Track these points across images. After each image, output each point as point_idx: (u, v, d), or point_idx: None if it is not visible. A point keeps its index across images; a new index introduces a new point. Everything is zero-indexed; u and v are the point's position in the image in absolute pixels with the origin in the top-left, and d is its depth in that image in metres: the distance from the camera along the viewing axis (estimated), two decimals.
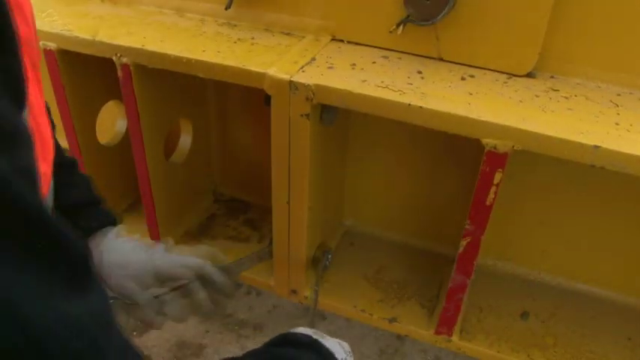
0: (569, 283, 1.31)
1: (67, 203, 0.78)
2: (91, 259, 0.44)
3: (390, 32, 1.07)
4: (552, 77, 1.03)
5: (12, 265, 0.32)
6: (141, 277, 0.80)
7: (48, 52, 1.15)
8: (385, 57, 1.08)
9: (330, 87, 0.96)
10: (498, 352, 1.16)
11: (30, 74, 0.46)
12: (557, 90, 0.99)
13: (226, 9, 1.16)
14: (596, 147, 0.84)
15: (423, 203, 1.38)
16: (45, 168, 0.52)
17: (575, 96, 0.97)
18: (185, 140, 1.40)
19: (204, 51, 1.06)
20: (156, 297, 0.82)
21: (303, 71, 1.00)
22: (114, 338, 0.39)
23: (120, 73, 1.11)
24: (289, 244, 1.21)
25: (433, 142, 1.27)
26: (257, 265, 1.11)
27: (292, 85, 0.98)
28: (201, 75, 1.05)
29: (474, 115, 0.89)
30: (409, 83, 0.98)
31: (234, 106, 1.45)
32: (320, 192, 1.17)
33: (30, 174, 0.37)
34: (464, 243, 1.03)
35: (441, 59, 1.07)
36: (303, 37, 1.14)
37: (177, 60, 1.05)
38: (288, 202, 1.13)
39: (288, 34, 1.16)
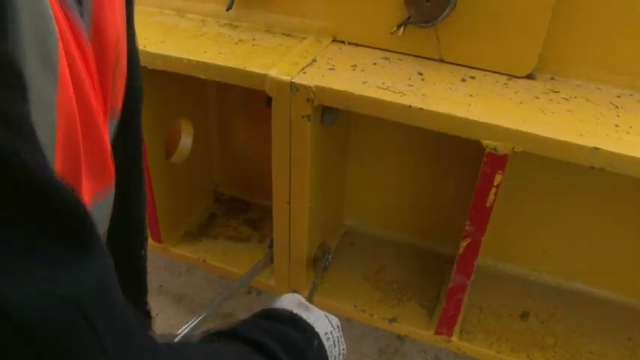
0: (569, 283, 1.32)
1: None
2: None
3: (391, 34, 1.07)
4: (552, 79, 1.04)
5: None
6: None
7: None
8: (386, 58, 1.08)
9: (331, 88, 0.96)
10: (498, 352, 1.16)
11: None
12: (558, 92, 0.99)
13: (227, 10, 1.17)
14: (596, 149, 0.84)
15: (423, 204, 1.38)
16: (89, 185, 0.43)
17: (575, 97, 0.98)
18: (186, 141, 1.40)
19: (205, 52, 1.06)
20: None
21: (304, 72, 1.00)
22: (113, 314, 0.34)
23: None
24: (290, 244, 1.21)
25: (434, 143, 1.27)
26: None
27: (293, 87, 0.98)
28: (202, 76, 1.05)
29: (474, 117, 0.89)
30: (410, 85, 0.98)
31: (235, 106, 1.46)
32: (320, 192, 1.18)
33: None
34: (464, 244, 1.03)
35: (442, 60, 1.07)
36: (304, 38, 1.14)
37: (178, 61, 1.05)
38: (289, 203, 1.14)
39: (289, 35, 1.16)
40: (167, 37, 1.13)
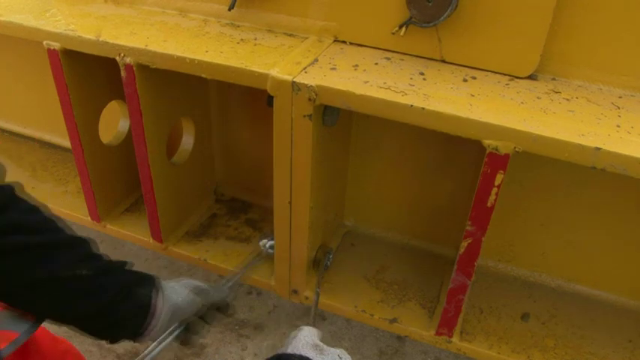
0: (569, 284, 1.32)
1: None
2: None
3: (393, 34, 1.07)
4: (554, 79, 1.04)
5: None
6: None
7: (52, 52, 1.15)
8: (387, 58, 1.08)
9: (332, 88, 0.96)
10: (499, 353, 1.16)
11: None
12: (559, 92, 0.99)
13: (229, 9, 1.17)
14: (598, 149, 0.84)
15: (424, 204, 1.38)
16: None
17: (577, 98, 0.98)
18: (187, 140, 1.40)
19: (207, 51, 1.07)
20: None
21: (305, 72, 1.00)
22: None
23: (123, 73, 1.11)
24: (290, 244, 1.21)
25: (435, 144, 1.27)
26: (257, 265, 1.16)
27: (295, 86, 0.98)
28: (204, 75, 1.05)
29: (475, 117, 0.89)
30: (411, 84, 0.98)
31: (237, 106, 1.46)
32: (321, 192, 1.18)
33: None
34: (465, 244, 1.03)
35: (444, 61, 1.08)
36: (306, 38, 1.15)
37: (180, 60, 1.05)
38: (290, 203, 1.14)
39: (291, 35, 1.16)
40: (169, 36, 1.13)
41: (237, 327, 1.61)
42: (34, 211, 0.70)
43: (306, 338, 0.76)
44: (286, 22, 1.16)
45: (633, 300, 1.28)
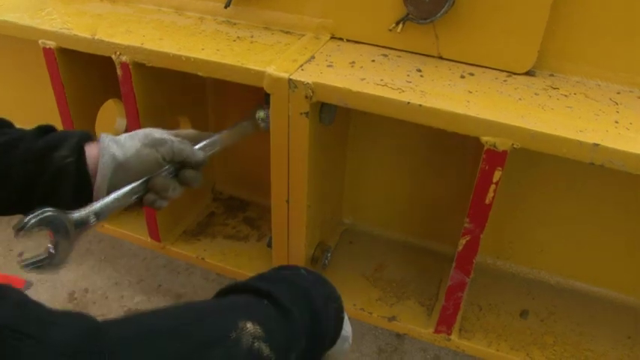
0: (568, 281, 1.31)
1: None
2: None
3: (390, 30, 1.07)
4: (552, 75, 1.03)
5: None
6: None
7: (47, 51, 1.14)
8: (385, 55, 1.08)
9: (329, 85, 0.96)
10: (498, 350, 1.16)
11: None
12: (557, 88, 0.99)
13: (226, 7, 1.16)
14: (596, 145, 0.83)
15: (422, 202, 1.37)
16: None
17: (575, 94, 0.97)
18: None
19: (203, 49, 1.06)
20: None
21: (302, 69, 1.00)
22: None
23: (119, 72, 1.11)
24: (288, 242, 1.21)
25: (433, 141, 1.27)
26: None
27: (291, 84, 0.98)
28: (200, 73, 1.05)
29: (473, 113, 0.89)
30: (408, 81, 0.98)
31: (234, 104, 1.45)
32: (319, 190, 1.17)
33: None
34: (463, 241, 1.03)
35: (441, 57, 1.07)
36: (303, 35, 1.14)
37: (176, 58, 1.05)
38: (288, 201, 1.13)
39: (287, 32, 1.16)
40: (165, 34, 1.12)
41: None
42: None
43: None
44: (283, 19, 1.15)
45: (632, 296, 1.28)
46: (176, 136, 0.84)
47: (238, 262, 1.36)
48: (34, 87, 1.66)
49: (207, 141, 0.91)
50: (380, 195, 1.41)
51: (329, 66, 1.02)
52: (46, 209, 0.65)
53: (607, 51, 0.99)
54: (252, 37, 1.13)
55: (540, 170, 1.21)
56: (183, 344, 0.52)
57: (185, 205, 1.48)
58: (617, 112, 0.92)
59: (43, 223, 0.64)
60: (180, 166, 0.82)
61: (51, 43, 1.13)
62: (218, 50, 1.06)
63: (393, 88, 0.95)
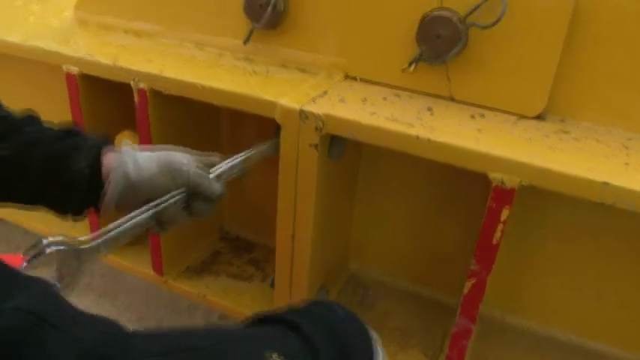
0: (581, 340, 1.25)
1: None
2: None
3: (403, 70, 1.09)
4: (562, 120, 1.03)
5: None
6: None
7: (69, 76, 1.18)
8: (397, 95, 1.09)
9: (339, 117, 0.97)
10: None
11: None
12: (568, 132, 0.99)
13: (244, 43, 1.20)
14: (605, 184, 0.82)
15: (430, 250, 1.35)
16: None
17: (586, 138, 0.97)
18: None
19: (219, 80, 1.09)
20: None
21: (314, 102, 1.01)
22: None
23: (136, 98, 1.13)
24: (291, 281, 1.18)
25: (443, 187, 1.26)
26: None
27: (302, 115, 0.99)
28: (215, 102, 1.07)
29: (481, 149, 0.89)
30: (418, 118, 0.98)
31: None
32: (325, 227, 1.16)
33: None
34: (469, 284, 0.99)
35: (452, 99, 1.08)
36: (317, 73, 1.17)
37: (192, 86, 1.07)
38: (293, 236, 1.12)
39: (302, 70, 1.18)
40: (184, 65, 1.16)
41: None
42: None
43: None
44: (299, 57, 1.19)
45: None
46: (198, 160, 0.85)
47: (240, 300, 1.33)
48: (52, 112, 1.70)
49: (227, 166, 0.91)
50: (387, 241, 1.39)
51: (341, 101, 1.03)
52: (58, 242, 0.64)
53: (618, 98, 0.99)
54: (267, 72, 1.16)
55: (553, 221, 1.18)
56: None
57: (191, 242, 1.47)
58: (628, 155, 0.91)
59: (53, 259, 0.63)
60: (193, 194, 0.82)
61: (74, 69, 1.17)
62: (234, 82, 1.09)
63: (402, 123, 0.95)
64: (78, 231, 1.30)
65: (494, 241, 0.94)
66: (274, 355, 0.55)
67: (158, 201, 0.77)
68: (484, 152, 0.88)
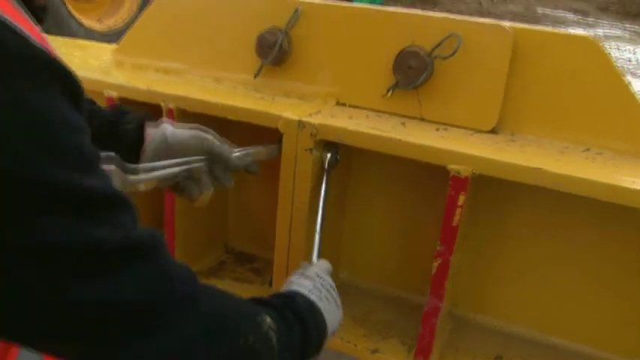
0: (543, 336, 1.41)
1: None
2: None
3: (383, 96, 1.34)
4: (512, 134, 1.26)
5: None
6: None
7: (109, 99, 1.43)
8: (378, 115, 1.34)
9: (330, 125, 1.21)
10: None
11: None
12: (515, 141, 1.22)
13: (255, 77, 1.46)
14: (539, 169, 1.04)
15: (417, 259, 1.53)
16: None
17: (529, 145, 1.20)
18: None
19: (234, 101, 1.34)
20: None
21: (310, 116, 1.26)
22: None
23: (165, 117, 1.38)
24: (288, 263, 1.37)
25: (425, 202, 1.46)
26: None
27: (300, 124, 1.23)
28: (230, 117, 1.31)
29: (441, 146, 1.12)
30: (393, 128, 1.22)
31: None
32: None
33: None
34: (435, 264, 1.19)
35: (423, 119, 1.32)
36: (314, 100, 1.42)
37: (212, 105, 1.32)
38: (290, 231, 1.32)
39: (302, 98, 1.44)
40: (205, 92, 1.41)
41: None
42: None
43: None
44: (299, 88, 1.44)
45: (611, 354, 1.37)
46: (222, 140, 1.09)
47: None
48: None
49: (242, 152, 1.15)
50: (375, 253, 1.57)
51: (331, 116, 1.28)
52: (112, 159, 0.86)
53: (556, 116, 1.23)
54: (273, 99, 1.41)
55: (513, 225, 1.38)
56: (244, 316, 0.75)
57: (199, 255, 1.66)
58: (562, 155, 1.14)
59: (110, 160, 0.85)
60: (214, 162, 1.05)
61: (113, 93, 1.43)
62: (246, 103, 1.33)
63: (380, 130, 1.19)
64: None
65: (455, 224, 1.15)
66: (267, 318, 0.77)
67: (188, 159, 0.99)
68: (443, 148, 1.11)
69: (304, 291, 0.94)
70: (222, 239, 1.76)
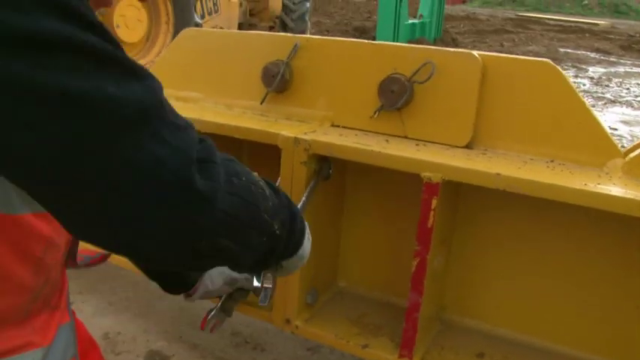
0: (524, 337, 1.52)
1: None
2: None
3: (370, 117, 1.51)
4: (485, 149, 1.41)
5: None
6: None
7: None
8: (365, 134, 1.51)
9: (321, 141, 1.39)
10: None
11: None
12: (485, 154, 1.37)
13: (261, 104, 1.66)
14: (498, 174, 1.19)
15: (408, 267, 1.67)
16: None
17: (497, 157, 1.35)
18: None
19: (241, 123, 1.53)
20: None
21: (305, 134, 1.44)
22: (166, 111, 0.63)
23: None
24: (286, 280, 1.52)
25: (417, 214, 1.61)
26: None
27: (296, 141, 1.41)
28: (236, 135, 1.50)
29: (416, 157, 1.28)
30: (377, 143, 1.39)
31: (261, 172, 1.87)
32: (314, 235, 1.51)
33: None
34: (414, 263, 1.33)
35: (406, 137, 1.49)
36: (311, 122, 1.60)
37: (221, 125, 1.52)
38: None
39: (301, 121, 1.62)
40: (217, 116, 1.61)
41: None
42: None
43: None
44: (299, 112, 1.63)
45: (583, 353, 1.47)
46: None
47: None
48: None
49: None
50: (369, 262, 1.72)
51: (324, 134, 1.46)
52: None
53: (522, 131, 1.38)
54: (276, 121, 1.60)
55: (494, 232, 1.52)
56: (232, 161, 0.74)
57: None
58: (524, 164, 1.29)
59: None
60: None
61: None
62: (251, 124, 1.53)
63: (364, 145, 1.36)
64: None
65: (429, 225, 1.29)
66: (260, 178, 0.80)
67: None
68: (417, 158, 1.28)
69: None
70: None
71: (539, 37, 13.49)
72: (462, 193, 1.48)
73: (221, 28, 6.44)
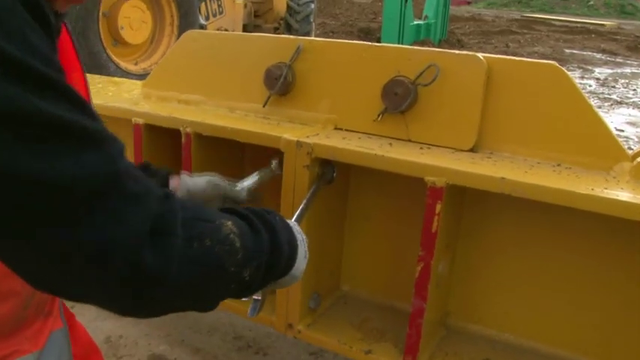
0: (530, 342, 1.50)
1: None
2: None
3: (374, 120, 1.50)
4: (491, 153, 1.39)
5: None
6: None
7: (137, 126, 1.64)
8: (369, 137, 1.49)
9: (323, 144, 1.37)
10: None
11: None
12: (490, 158, 1.35)
13: (263, 106, 1.64)
14: (502, 178, 1.17)
15: (412, 272, 1.65)
16: None
17: (502, 160, 1.33)
18: None
19: (244, 125, 1.51)
20: None
21: (307, 137, 1.42)
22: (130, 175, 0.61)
23: (183, 140, 1.56)
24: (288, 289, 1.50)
25: (421, 219, 1.59)
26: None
27: (298, 144, 1.39)
28: (239, 139, 1.49)
29: (420, 160, 1.26)
30: (380, 147, 1.37)
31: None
32: (316, 239, 1.50)
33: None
34: (418, 268, 1.31)
35: (410, 140, 1.47)
36: (314, 126, 1.59)
37: (224, 129, 1.50)
38: None
39: (304, 124, 1.61)
40: (219, 119, 1.60)
41: None
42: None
43: None
44: (302, 115, 1.61)
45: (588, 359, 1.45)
46: (228, 181, 1.29)
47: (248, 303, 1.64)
48: None
49: (247, 183, 1.35)
50: (373, 267, 1.70)
51: (327, 137, 1.44)
52: None
53: (528, 134, 1.36)
54: (278, 124, 1.59)
55: (500, 239, 1.49)
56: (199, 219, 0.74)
57: None
58: (531, 168, 1.27)
59: None
60: (226, 202, 1.27)
61: (139, 120, 1.63)
62: (254, 127, 1.51)
63: (367, 149, 1.35)
64: None
65: (433, 230, 1.28)
66: (229, 222, 0.77)
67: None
68: (421, 162, 1.26)
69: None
70: None
71: (545, 38, 13.45)
72: (466, 198, 1.46)
73: (225, 29, 6.44)
